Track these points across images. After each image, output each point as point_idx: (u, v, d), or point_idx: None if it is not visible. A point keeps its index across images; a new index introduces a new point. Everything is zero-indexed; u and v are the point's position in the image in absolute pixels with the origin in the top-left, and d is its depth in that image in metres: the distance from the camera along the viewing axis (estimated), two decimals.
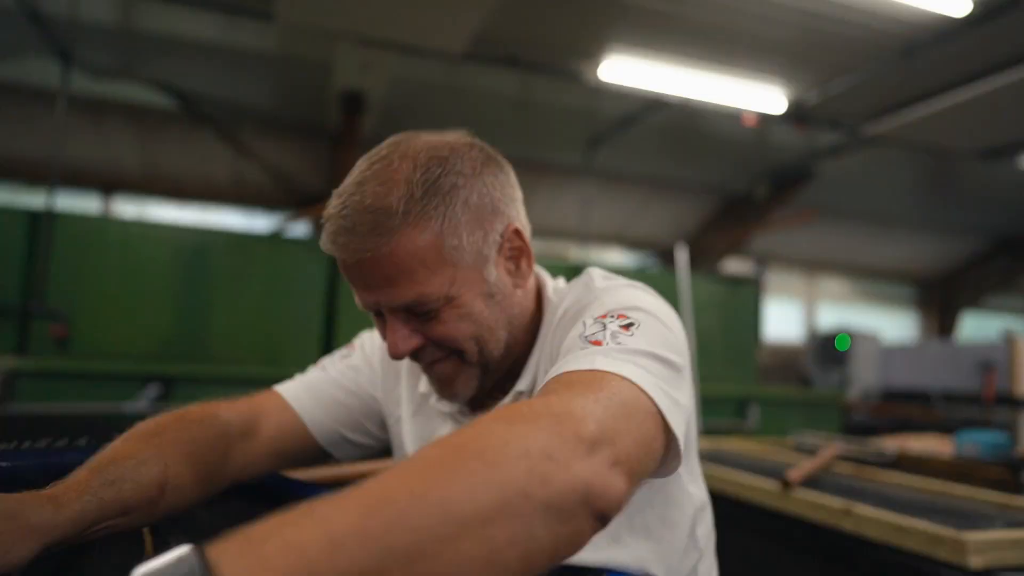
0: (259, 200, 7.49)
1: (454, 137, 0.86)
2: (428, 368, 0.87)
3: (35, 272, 4.49)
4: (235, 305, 4.93)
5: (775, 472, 2.26)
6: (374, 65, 5.07)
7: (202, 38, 5.33)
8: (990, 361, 6.95)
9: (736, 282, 6.28)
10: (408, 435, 1.00)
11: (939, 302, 11.39)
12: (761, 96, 5.31)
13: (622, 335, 0.71)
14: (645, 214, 8.77)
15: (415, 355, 0.84)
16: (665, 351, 0.71)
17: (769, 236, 8.47)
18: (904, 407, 7.40)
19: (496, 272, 0.84)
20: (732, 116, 5.73)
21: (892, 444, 3.47)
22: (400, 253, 0.76)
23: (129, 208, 7.42)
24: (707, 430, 4.47)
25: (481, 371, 0.87)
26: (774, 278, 10.37)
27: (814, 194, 8.09)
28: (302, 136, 6.97)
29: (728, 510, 2.29)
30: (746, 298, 6.17)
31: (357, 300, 0.82)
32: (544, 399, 0.58)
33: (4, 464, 0.86)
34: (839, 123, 5.64)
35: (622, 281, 0.87)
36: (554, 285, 0.96)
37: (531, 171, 7.99)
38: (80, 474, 0.74)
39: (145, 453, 0.79)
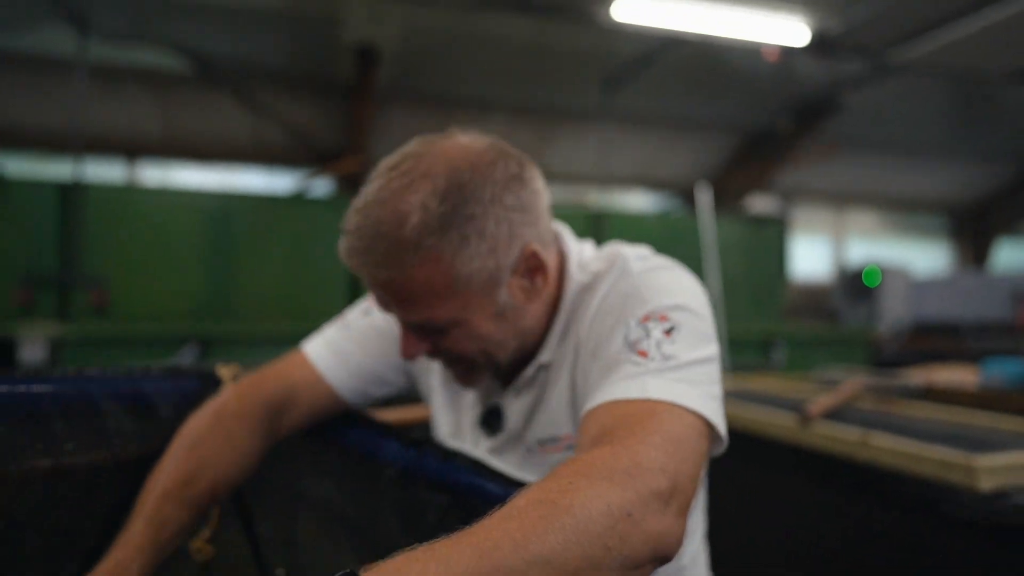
0: (279, 159, 7.54)
1: (480, 148, 0.82)
2: (444, 367, 0.92)
3: (70, 242, 4.64)
4: (262, 265, 5.08)
5: (796, 408, 2.28)
6: (385, 16, 5.03)
7: None
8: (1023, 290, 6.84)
9: (761, 222, 6.22)
10: (437, 386, 1.05)
11: (973, 231, 11.10)
12: (782, 28, 5.13)
13: (666, 343, 0.75)
14: (667, 155, 8.64)
15: (428, 354, 0.88)
16: (702, 349, 0.77)
17: (795, 172, 8.31)
18: (935, 340, 7.33)
19: (508, 292, 0.84)
20: (752, 50, 5.57)
21: (919, 376, 3.46)
22: (409, 284, 0.78)
23: (153, 173, 7.52)
24: (733, 368, 4.51)
25: (493, 369, 0.91)
26: (801, 214, 10.18)
27: (840, 126, 7.87)
28: (317, 92, 6.96)
29: (748, 447, 2.33)
30: (771, 237, 6.12)
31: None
32: (613, 450, 0.62)
33: (90, 391, 0.96)
34: (865, 51, 5.44)
35: (655, 262, 0.88)
36: (579, 258, 0.94)
37: (549, 117, 7.91)
38: (136, 526, 0.83)
39: (190, 472, 0.88)
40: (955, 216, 11.24)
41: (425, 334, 0.84)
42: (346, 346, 1.01)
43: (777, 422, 2.25)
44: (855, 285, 8.24)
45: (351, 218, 0.79)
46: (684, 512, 0.62)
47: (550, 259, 0.87)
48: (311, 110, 7.06)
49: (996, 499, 1.58)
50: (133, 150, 7.16)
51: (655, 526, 0.57)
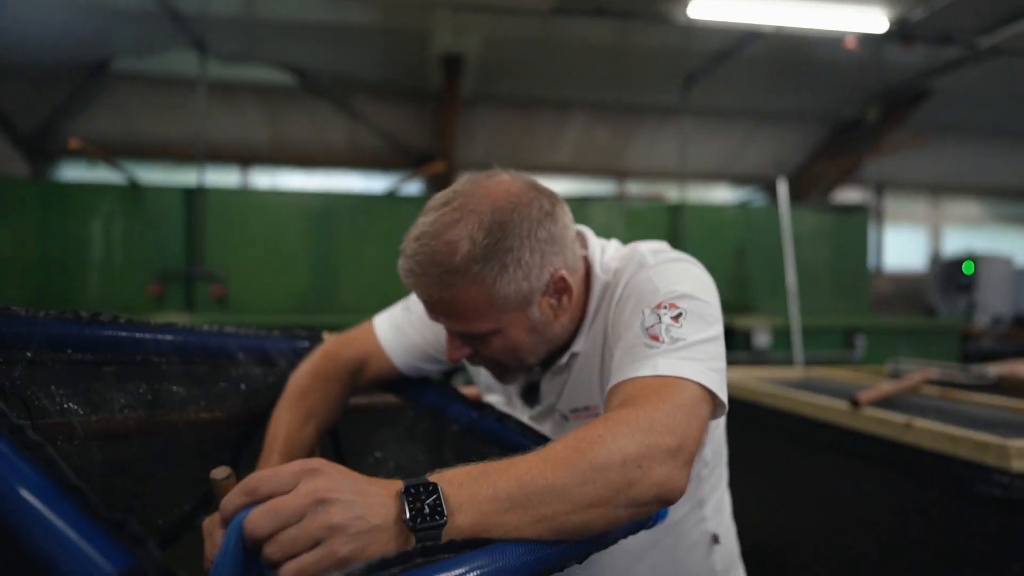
0: (374, 162, 7.98)
1: (519, 187, 0.97)
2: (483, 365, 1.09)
3: (194, 240, 5.20)
4: (359, 261, 5.48)
5: (849, 395, 2.40)
6: (468, 28, 5.31)
7: (313, 19, 5.78)
8: None
9: (844, 211, 6.14)
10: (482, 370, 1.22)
11: None
12: (860, 16, 5.07)
13: (674, 328, 0.89)
14: (749, 148, 8.55)
15: (468, 358, 1.05)
16: (706, 330, 0.90)
17: (885, 161, 8.04)
18: None
19: (539, 310, 0.98)
20: (832, 40, 5.52)
21: (999, 369, 3.43)
22: (456, 301, 0.93)
23: (263, 178, 8.16)
24: (811, 361, 4.54)
25: (526, 371, 1.08)
26: (895, 204, 9.76)
27: (933, 112, 7.57)
28: (408, 100, 7.35)
29: (802, 430, 2.49)
30: (856, 227, 6.02)
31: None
32: (634, 412, 0.77)
33: (213, 342, 1.19)
34: (951, 37, 5.30)
35: (669, 255, 1.04)
36: (601, 259, 1.08)
37: (628, 115, 8.00)
38: (273, 460, 1.08)
39: (302, 419, 1.13)
40: None
41: (467, 341, 1.00)
42: (405, 328, 1.21)
43: (830, 406, 2.38)
44: (950, 276, 7.89)
45: (409, 245, 0.94)
46: (688, 464, 0.75)
47: (576, 276, 1.03)
48: (402, 116, 7.47)
49: None
50: (246, 158, 7.83)
51: (660, 475, 0.72)
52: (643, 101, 7.59)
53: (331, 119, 7.33)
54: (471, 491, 0.65)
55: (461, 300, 0.93)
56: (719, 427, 1.19)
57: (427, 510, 0.62)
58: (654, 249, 1.06)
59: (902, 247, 9.76)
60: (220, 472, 0.76)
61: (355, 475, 0.64)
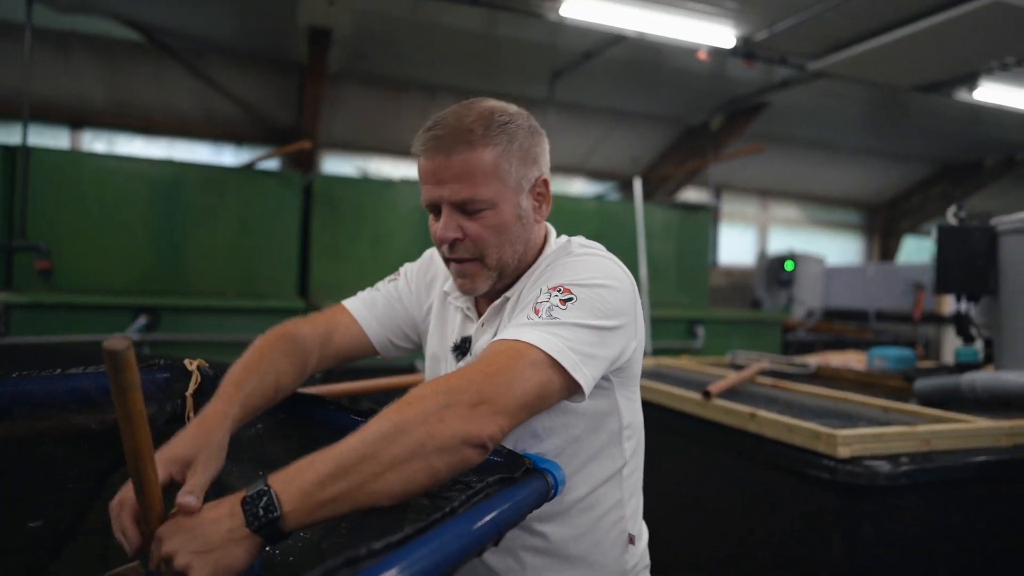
0: (229, 133, 7.45)
1: (514, 107, 1.15)
2: (457, 266, 1.14)
3: (15, 208, 4.58)
4: (211, 238, 5.05)
5: (701, 387, 2.64)
6: (339, 1, 5.12)
7: None
8: (920, 282, 7.47)
9: (690, 209, 6.61)
10: (432, 329, 1.30)
11: (883, 227, 11.84)
12: (713, 32, 5.52)
13: (556, 309, 0.99)
14: (604, 145, 8.95)
15: (452, 247, 1.11)
16: (592, 319, 0.99)
17: (725, 165, 8.78)
18: (841, 325, 7.94)
19: (526, 203, 1.12)
20: (687, 51, 5.92)
21: (815, 360, 3.91)
22: (472, 159, 1.05)
23: (97, 143, 7.34)
24: (657, 351, 4.87)
25: (496, 275, 1.14)
26: (730, 206, 10.68)
27: (766, 125, 8.35)
28: (270, 69, 6.97)
29: (661, 418, 2.69)
30: (700, 224, 6.50)
31: (424, 198, 1.11)
32: (456, 374, 0.91)
33: (31, 388, 1.09)
34: (786, 60, 5.90)
35: (592, 250, 1.15)
36: (556, 239, 1.22)
37: None
38: (227, 389, 1.03)
39: (264, 367, 1.10)
40: (868, 212, 11.97)
41: (463, 218, 1.08)
42: (377, 301, 1.31)
43: (685, 397, 2.60)
44: (773, 272, 8.76)
45: (429, 124, 1.09)
46: (497, 414, 0.87)
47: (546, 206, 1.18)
48: (263, 87, 7.05)
49: (851, 463, 1.95)
50: (77, 119, 6.94)
51: (459, 424, 0.84)
52: (509, 92, 7.66)
53: (181, 83, 6.73)
54: (299, 482, 0.77)
55: (474, 161, 1.05)
56: (638, 427, 1.24)
57: (261, 512, 0.76)
58: (584, 243, 1.19)
59: (734, 244, 10.69)
60: (118, 343, 0.70)
61: (199, 519, 0.78)
